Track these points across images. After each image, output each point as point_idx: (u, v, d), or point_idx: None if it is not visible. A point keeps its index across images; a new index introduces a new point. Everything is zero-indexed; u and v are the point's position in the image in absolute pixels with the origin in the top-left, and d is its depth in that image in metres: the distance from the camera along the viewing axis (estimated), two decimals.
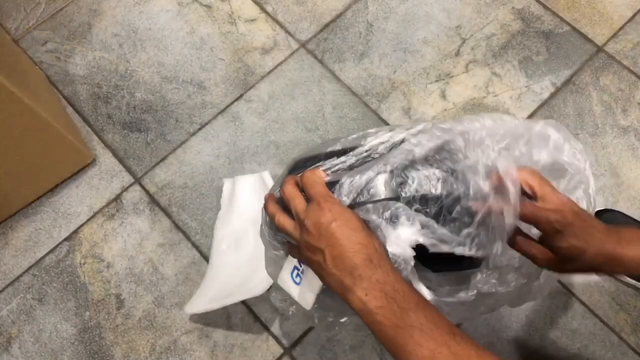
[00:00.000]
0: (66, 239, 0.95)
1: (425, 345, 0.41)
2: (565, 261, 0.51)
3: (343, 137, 0.56)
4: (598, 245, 0.50)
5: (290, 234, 0.50)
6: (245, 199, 0.94)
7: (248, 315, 0.88)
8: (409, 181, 0.49)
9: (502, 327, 0.87)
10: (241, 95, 1.05)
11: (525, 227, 0.53)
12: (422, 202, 0.49)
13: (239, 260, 0.89)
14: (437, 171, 0.49)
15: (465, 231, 0.49)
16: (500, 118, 0.54)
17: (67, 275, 0.93)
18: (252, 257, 0.89)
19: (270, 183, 0.95)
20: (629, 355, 0.85)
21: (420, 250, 0.48)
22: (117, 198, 0.98)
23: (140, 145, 1.02)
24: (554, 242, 0.50)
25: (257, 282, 0.85)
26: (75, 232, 0.96)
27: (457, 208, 0.49)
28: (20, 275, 0.93)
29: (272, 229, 0.56)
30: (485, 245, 0.50)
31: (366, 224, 0.48)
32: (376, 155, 0.52)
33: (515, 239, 0.52)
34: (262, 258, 0.88)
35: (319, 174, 0.50)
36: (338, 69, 1.06)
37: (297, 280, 0.57)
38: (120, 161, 1.01)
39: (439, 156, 0.51)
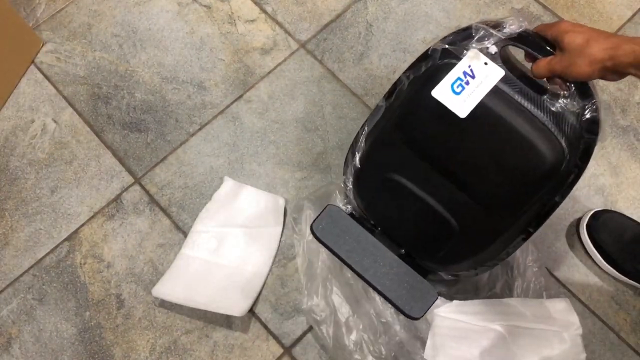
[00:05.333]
0: (66, 239, 0.95)
1: None
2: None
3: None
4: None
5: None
6: (247, 210, 0.93)
7: (248, 315, 0.88)
8: None
9: None
10: (241, 96, 1.05)
11: None
12: None
13: (217, 265, 0.90)
14: None
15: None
16: None
17: (67, 275, 0.93)
18: (234, 268, 0.90)
19: (281, 210, 0.94)
20: (628, 354, 0.86)
21: None
22: (117, 198, 0.98)
23: (140, 146, 1.02)
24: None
25: (234, 300, 0.86)
26: (75, 232, 0.96)
27: None
28: (21, 276, 0.93)
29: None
30: None
31: None
32: None
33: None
34: (242, 274, 0.89)
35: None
36: (338, 69, 1.06)
37: (458, 90, 0.63)
38: (120, 161, 1.01)
39: None
